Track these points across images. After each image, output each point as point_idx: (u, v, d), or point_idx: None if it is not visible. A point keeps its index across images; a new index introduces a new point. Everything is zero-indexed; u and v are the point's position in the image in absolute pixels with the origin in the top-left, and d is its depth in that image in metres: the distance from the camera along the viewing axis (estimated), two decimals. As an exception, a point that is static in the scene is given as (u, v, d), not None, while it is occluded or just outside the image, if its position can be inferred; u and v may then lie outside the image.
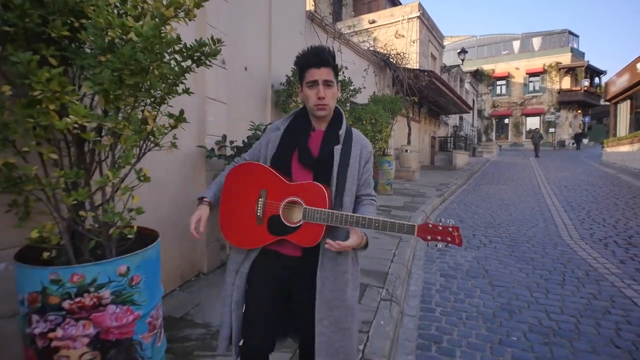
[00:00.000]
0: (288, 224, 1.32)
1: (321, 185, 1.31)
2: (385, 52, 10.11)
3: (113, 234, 1.43)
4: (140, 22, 1.34)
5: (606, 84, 17.99)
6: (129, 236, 1.44)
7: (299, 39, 5.66)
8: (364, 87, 6.43)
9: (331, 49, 1.39)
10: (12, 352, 1.65)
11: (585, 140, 28.11)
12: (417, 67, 11.91)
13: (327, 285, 1.34)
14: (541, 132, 25.84)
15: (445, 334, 2.58)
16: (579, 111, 29.27)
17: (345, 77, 5.43)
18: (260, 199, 1.37)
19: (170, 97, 1.57)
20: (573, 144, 25.80)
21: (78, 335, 1.32)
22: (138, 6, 1.38)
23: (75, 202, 1.31)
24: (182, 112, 1.63)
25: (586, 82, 29.07)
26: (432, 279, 3.57)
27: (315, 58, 1.33)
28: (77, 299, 1.29)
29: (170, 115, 1.63)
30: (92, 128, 1.38)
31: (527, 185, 10.01)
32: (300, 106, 1.52)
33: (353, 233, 1.31)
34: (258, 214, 1.36)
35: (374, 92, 8.66)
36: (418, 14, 13.37)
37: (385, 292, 3.01)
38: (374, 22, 14.14)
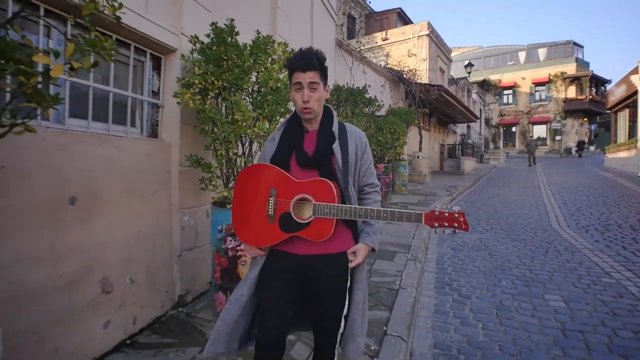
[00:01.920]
0: (299, 221, 1.35)
1: (329, 181, 1.34)
2: (399, 69, 11.29)
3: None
4: (282, 75, 2.51)
5: (606, 93, 18.93)
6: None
7: (329, 63, 6.85)
8: (382, 102, 7.54)
9: (322, 54, 1.41)
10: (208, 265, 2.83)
11: (591, 147, 28.81)
12: (427, 82, 13.07)
13: (354, 284, 1.47)
14: (536, 140, 25.99)
15: (454, 281, 3.66)
16: (585, 119, 30.01)
17: (369, 94, 6.58)
18: (270, 198, 1.38)
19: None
20: (576, 151, 26.47)
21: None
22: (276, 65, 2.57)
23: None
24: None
25: (592, 91, 29.89)
26: (444, 251, 4.65)
27: (301, 62, 1.35)
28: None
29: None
30: (258, 134, 2.54)
31: (529, 187, 10.98)
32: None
33: (359, 248, 1.42)
34: (269, 212, 1.38)
35: (390, 105, 9.82)
36: (427, 32, 14.58)
37: (410, 255, 4.10)
38: (386, 39, 15.37)
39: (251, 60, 2.47)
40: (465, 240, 5.16)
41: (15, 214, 1.68)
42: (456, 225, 1.33)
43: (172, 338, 2.34)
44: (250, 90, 2.58)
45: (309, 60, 1.35)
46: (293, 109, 1.56)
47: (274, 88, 2.47)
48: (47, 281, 1.82)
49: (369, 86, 7.11)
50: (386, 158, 7.72)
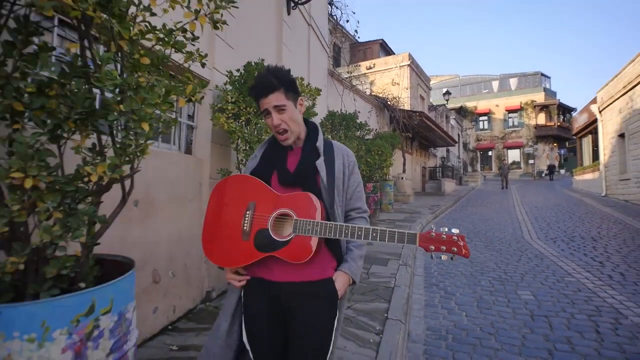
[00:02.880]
0: (277, 239, 1.19)
1: (312, 195, 1.21)
2: (384, 96, 12.16)
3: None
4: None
5: (571, 121, 20.53)
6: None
7: (323, 91, 7.53)
8: (369, 126, 8.22)
9: (283, 69, 1.29)
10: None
11: (562, 171, 30.59)
12: (410, 109, 14.02)
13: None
14: (509, 164, 26.69)
15: (441, 282, 4.17)
16: (555, 144, 31.99)
17: (359, 120, 7.24)
18: (247, 212, 1.24)
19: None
20: (546, 174, 27.99)
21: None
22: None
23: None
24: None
25: (560, 118, 32.04)
26: (430, 260, 5.16)
27: (261, 88, 1.25)
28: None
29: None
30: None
31: (505, 207, 11.79)
32: None
33: (338, 276, 1.26)
34: (244, 228, 1.23)
35: (376, 129, 10.56)
36: (408, 62, 15.72)
37: (402, 261, 4.62)
38: (370, 68, 16.42)
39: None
40: (448, 250, 5.71)
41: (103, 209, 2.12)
42: (455, 250, 1.15)
43: (207, 324, 2.74)
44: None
45: (267, 83, 1.24)
46: None
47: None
48: (118, 267, 2.23)
49: (359, 112, 7.80)
50: (374, 178, 8.33)
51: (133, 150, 1.26)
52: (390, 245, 5.42)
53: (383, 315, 2.95)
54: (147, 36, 1.29)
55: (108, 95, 1.25)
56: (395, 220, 8.10)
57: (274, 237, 1.20)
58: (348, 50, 19.40)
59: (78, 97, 1.14)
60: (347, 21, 16.79)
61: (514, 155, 33.64)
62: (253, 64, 2.99)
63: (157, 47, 1.38)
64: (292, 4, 5.12)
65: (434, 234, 1.17)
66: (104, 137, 1.33)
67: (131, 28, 1.19)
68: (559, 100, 31.89)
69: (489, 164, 35.47)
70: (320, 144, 1.34)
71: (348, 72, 10.72)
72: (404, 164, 13.35)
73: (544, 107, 32.03)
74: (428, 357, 2.54)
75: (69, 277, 1.25)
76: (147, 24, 1.31)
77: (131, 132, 1.23)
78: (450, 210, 11.38)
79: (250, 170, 1.36)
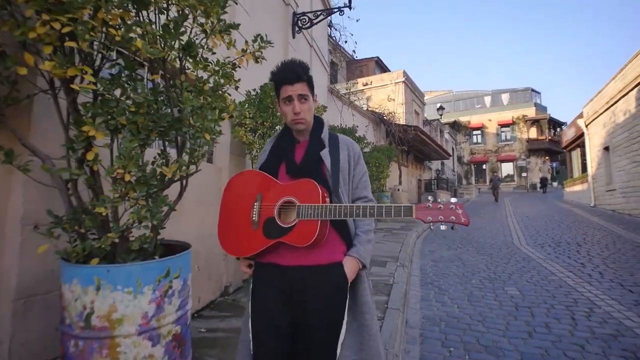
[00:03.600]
0: (283, 225, 1.26)
1: (313, 181, 1.26)
2: (380, 111, 12.72)
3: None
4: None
5: (561, 134, 21.25)
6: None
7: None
8: (367, 139, 8.71)
9: (306, 64, 1.37)
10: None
11: (554, 183, 31.25)
12: (405, 123, 14.59)
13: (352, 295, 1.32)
14: (499, 176, 26.51)
15: (435, 281, 4.55)
16: (547, 157, 32.76)
17: (357, 134, 7.71)
18: (255, 203, 1.32)
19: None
20: (540, 187, 28.59)
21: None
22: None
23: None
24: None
25: (551, 132, 32.94)
26: (426, 262, 5.56)
27: (289, 74, 1.31)
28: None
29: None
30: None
31: (498, 217, 12.22)
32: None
33: (346, 261, 1.29)
34: (253, 218, 1.31)
35: (373, 143, 11.05)
36: (403, 79, 16.40)
37: (399, 263, 4.99)
38: (366, 84, 17.07)
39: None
40: (443, 255, 6.10)
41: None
42: (453, 218, 1.14)
43: (228, 312, 3.09)
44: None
45: (297, 72, 1.31)
46: None
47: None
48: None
49: (357, 126, 8.29)
50: (371, 189, 8.73)
51: (197, 155, 1.66)
52: (389, 248, 5.78)
53: (384, 306, 3.32)
54: (207, 69, 1.72)
55: (173, 111, 1.66)
56: (392, 229, 8.48)
57: (280, 224, 1.26)
58: (345, 67, 20.14)
59: (161, 115, 1.55)
60: (346, 42, 17.52)
61: (507, 168, 34.35)
62: (269, 84, 3.44)
63: (211, 77, 1.81)
64: (297, 29, 5.62)
65: (430, 204, 1.18)
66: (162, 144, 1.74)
67: (198, 64, 1.61)
68: (550, 114, 32.85)
69: (483, 177, 36.11)
70: (325, 135, 1.41)
71: (347, 89, 11.29)
72: (400, 176, 13.81)
73: (535, 122, 32.93)
74: (424, 338, 2.90)
75: (146, 251, 1.63)
76: (206, 59, 1.74)
77: (198, 141, 1.64)
78: (445, 220, 11.78)
79: (260, 163, 1.45)
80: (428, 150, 17.52)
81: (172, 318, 1.57)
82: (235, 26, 1.71)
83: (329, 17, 6.91)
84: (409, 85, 17.27)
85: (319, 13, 5.66)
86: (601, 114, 12.35)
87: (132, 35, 1.40)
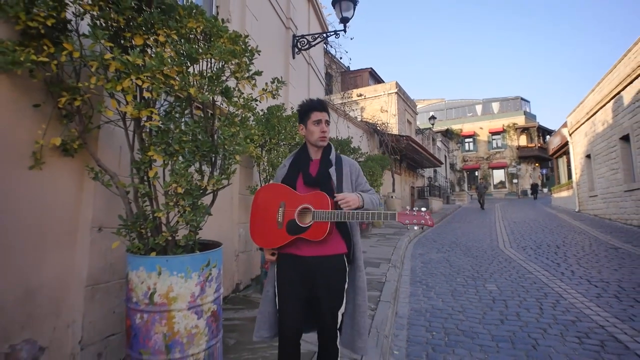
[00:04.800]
0: (302, 225, 1.69)
1: (325, 194, 1.69)
2: (374, 122, 13.28)
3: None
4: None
5: (548, 142, 22.01)
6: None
7: (321, 119, 8.52)
8: (362, 149, 9.21)
9: (326, 102, 1.95)
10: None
11: (545, 190, 32.02)
12: (397, 133, 15.16)
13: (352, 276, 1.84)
14: (485, 183, 26.17)
15: (424, 280, 5.02)
16: (537, 164, 33.58)
17: (352, 144, 8.21)
18: (280, 209, 1.75)
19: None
20: (531, 193, 29.27)
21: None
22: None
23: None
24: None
25: (540, 140, 33.81)
26: (416, 264, 6.04)
27: (319, 104, 1.83)
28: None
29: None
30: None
31: (487, 222, 12.76)
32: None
33: (349, 193, 1.73)
34: (279, 219, 1.75)
35: (367, 152, 11.56)
36: (396, 90, 17.02)
37: (391, 264, 5.46)
38: (360, 95, 17.66)
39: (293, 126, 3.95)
40: (432, 257, 6.59)
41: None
42: (422, 222, 1.62)
43: (241, 305, 3.54)
44: (293, 144, 4.04)
45: (323, 104, 1.85)
46: None
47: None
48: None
49: (352, 137, 8.78)
50: (366, 196, 9.21)
51: (229, 172, 2.14)
52: (382, 252, 6.26)
53: (377, 299, 3.78)
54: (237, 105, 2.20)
55: (210, 138, 2.13)
56: (386, 234, 8.97)
57: (299, 224, 1.70)
58: (339, 78, 20.75)
59: (203, 142, 2.03)
60: (341, 58, 18.16)
61: (499, 175, 35.09)
62: (275, 106, 3.94)
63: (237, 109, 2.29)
64: (297, 50, 6.15)
65: (407, 211, 1.67)
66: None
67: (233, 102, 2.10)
68: (539, 123, 33.76)
69: (475, 184, 36.74)
70: (332, 157, 1.86)
71: (341, 100, 11.80)
72: (393, 184, 14.34)
73: (524, 130, 33.80)
74: (410, 325, 3.37)
75: (189, 246, 2.09)
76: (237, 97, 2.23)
77: (230, 161, 2.11)
78: (437, 225, 12.29)
79: (282, 177, 1.88)
80: (420, 158, 18.10)
81: (211, 298, 2.02)
82: (259, 73, 2.21)
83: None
84: (402, 95, 17.91)
85: (316, 36, 6.19)
86: (583, 123, 13.02)
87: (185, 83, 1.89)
